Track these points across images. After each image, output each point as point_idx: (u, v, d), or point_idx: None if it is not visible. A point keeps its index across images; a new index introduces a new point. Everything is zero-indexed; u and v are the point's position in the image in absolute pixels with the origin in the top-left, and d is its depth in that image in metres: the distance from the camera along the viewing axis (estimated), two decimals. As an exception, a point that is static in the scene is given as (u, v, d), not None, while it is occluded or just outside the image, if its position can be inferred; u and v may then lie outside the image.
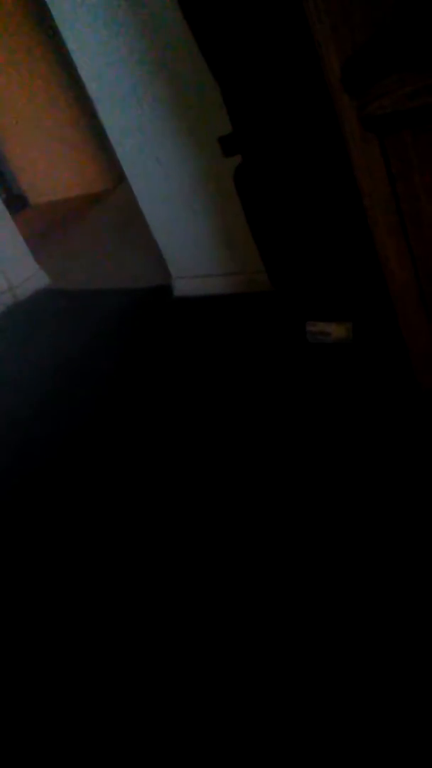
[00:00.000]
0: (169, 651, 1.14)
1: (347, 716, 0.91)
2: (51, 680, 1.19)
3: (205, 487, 1.47)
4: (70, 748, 1.06)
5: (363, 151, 0.96)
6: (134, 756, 1.00)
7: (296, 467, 1.41)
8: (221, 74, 1.29)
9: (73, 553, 1.45)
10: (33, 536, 1.54)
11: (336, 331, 1.58)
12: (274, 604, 1.13)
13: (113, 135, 2.27)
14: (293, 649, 1.04)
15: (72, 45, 2.09)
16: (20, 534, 1.57)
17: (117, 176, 4.56)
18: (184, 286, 2.52)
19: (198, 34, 1.27)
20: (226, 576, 1.22)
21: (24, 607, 1.36)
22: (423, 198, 0.94)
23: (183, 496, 1.47)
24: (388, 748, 0.86)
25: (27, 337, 2.80)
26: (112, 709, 1.08)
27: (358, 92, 0.89)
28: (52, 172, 5.08)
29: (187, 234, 2.34)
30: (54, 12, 2.03)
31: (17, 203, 5.31)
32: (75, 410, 2.03)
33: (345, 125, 0.95)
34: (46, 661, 1.23)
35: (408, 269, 1.05)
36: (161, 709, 1.05)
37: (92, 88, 2.16)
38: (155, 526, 1.42)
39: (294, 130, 1.28)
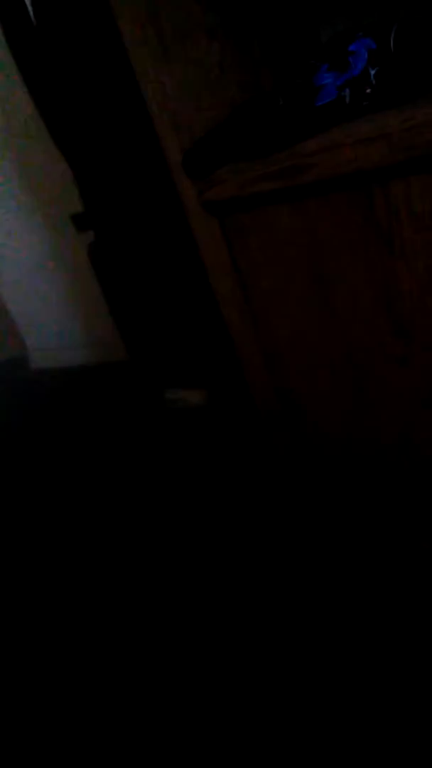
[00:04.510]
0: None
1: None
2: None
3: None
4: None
5: (205, 232, 1.04)
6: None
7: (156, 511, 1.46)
8: (71, 156, 1.35)
9: None
10: None
11: (192, 397, 1.64)
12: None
13: (-37, 209, 2.25)
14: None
15: None
16: None
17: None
18: (40, 358, 2.50)
19: (47, 117, 1.32)
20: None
21: None
22: (261, 273, 1.04)
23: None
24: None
25: None
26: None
27: (198, 179, 0.98)
28: None
29: (43, 307, 2.35)
30: None
31: None
32: None
33: (188, 208, 1.03)
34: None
35: (253, 338, 1.13)
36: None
37: None
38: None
39: (142, 208, 1.36)
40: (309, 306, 1.00)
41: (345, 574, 1.15)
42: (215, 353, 1.47)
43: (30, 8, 1.11)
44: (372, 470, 1.13)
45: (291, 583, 1.18)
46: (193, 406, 1.65)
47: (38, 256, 2.22)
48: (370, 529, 1.20)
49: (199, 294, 1.37)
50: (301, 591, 1.15)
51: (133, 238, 1.44)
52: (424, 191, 0.79)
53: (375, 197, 0.83)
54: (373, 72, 0.84)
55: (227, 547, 1.30)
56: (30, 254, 2.23)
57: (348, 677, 0.98)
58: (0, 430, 2.15)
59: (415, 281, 0.86)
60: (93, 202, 1.40)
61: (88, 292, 2.14)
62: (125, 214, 1.40)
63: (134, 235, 1.43)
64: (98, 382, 2.20)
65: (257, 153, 0.92)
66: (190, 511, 1.44)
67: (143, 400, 1.87)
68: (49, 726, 1.09)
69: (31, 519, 1.64)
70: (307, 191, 0.88)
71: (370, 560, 1.16)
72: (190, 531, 1.39)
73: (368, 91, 0.85)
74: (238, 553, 1.28)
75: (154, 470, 1.64)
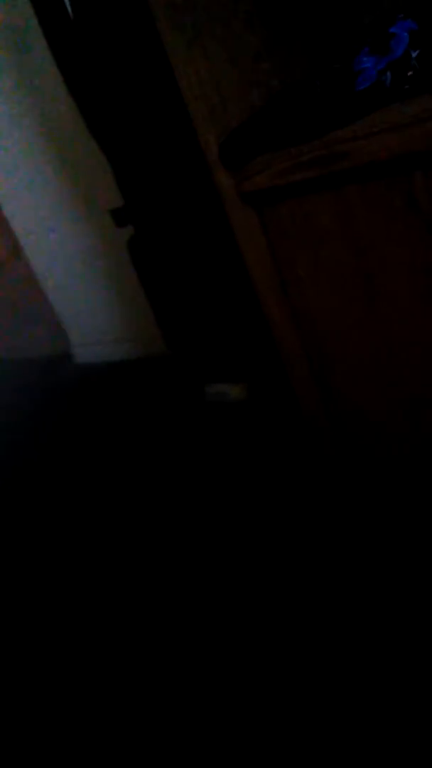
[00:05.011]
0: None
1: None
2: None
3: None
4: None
5: (243, 222, 1.03)
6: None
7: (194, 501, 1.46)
8: (110, 151, 1.36)
9: None
10: None
11: (232, 391, 1.64)
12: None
13: (7, 208, 2.29)
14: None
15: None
16: None
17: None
18: (84, 353, 2.53)
19: (84, 111, 1.33)
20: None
21: None
22: (300, 264, 1.02)
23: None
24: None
25: None
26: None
27: (234, 169, 0.97)
28: None
29: (85, 303, 2.37)
30: None
31: None
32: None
33: (225, 199, 1.02)
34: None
35: (292, 329, 1.12)
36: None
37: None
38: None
39: (180, 201, 1.36)
40: (348, 296, 0.98)
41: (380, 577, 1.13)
42: (255, 347, 1.46)
43: (67, 2, 1.12)
44: (418, 468, 1.10)
45: (328, 585, 1.16)
46: (234, 400, 1.64)
47: (80, 252, 2.24)
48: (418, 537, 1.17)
49: (239, 287, 1.36)
50: (341, 592, 1.14)
51: (171, 232, 1.44)
52: (467, 175, 0.76)
53: (416, 182, 0.80)
54: (414, 54, 0.81)
55: (259, 541, 1.29)
56: (71, 250, 2.25)
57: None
58: (47, 422, 2.19)
59: (459, 269, 0.83)
60: (131, 197, 1.41)
61: (129, 287, 2.16)
62: (163, 208, 1.40)
63: (173, 229, 1.43)
64: (139, 376, 2.22)
65: (295, 141, 0.90)
66: (224, 503, 1.44)
67: (184, 394, 1.88)
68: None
69: (75, 505, 1.66)
70: (345, 178, 0.86)
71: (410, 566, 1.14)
72: (222, 521, 1.39)
73: (410, 74, 0.82)
74: (267, 550, 1.27)
75: (192, 463, 1.64)
